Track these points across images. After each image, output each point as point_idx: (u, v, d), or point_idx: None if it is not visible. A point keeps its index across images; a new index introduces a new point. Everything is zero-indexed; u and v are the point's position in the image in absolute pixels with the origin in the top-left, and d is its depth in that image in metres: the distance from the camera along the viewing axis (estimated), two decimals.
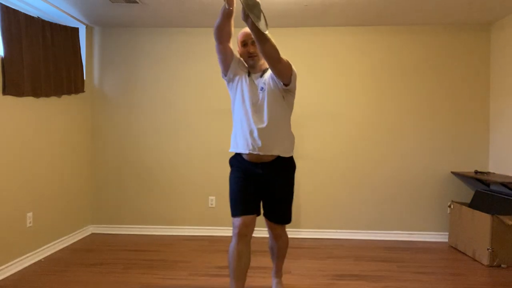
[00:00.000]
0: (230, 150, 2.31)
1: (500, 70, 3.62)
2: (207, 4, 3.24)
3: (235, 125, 2.26)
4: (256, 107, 2.19)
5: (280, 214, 2.30)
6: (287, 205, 2.30)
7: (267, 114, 2.16)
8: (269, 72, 2.22)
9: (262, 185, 2.23)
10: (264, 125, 2.15)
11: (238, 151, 2.25)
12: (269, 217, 2.31)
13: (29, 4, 3.23)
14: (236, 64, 2.28)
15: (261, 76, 2.24)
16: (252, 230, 2.16)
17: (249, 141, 2.16)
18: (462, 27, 3.78)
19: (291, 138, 2.30)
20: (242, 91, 2.23)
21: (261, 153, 2.16)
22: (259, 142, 2.14)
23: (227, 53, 2.23)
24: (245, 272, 2.13)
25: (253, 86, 2.23)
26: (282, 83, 2.15)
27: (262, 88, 2.20)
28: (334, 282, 2.76)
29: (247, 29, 2.15)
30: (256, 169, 2.21)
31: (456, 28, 3.79)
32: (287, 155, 2.25)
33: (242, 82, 2.24)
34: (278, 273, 2.52)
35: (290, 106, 2.29)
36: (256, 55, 2.20)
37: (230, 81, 2.31)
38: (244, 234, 2.10)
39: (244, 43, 2.23)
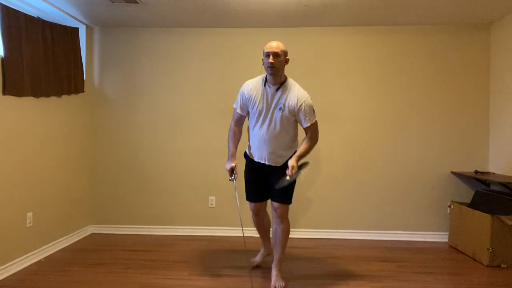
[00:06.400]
0: (246, 152, 2.79)
1: (500, 70, 3.62)
2: (207, 4, 3.24)
3: (251, 134, 2.69)
4: (267, 121, 2.56)
5: (283, 196, 2.63)
6: (288, 189, 2.60)
7: (277, 132, 2.56)
8: (290, 96, 2.50)
9: (269, 175, 2.68)
10: (272, 143, 2.58)
11: (254, 160, 2.71)
12: (274, 198, 2.66)
13: (29, 4, 3.23)
14: (247, 98, 2.62)
15: (277, 90, 2.52)
16: (263, 210, 2.87)
17: (258, 154, 2.66)
18: (462, 27, 3.78)
19: (295, 146, 2.70)
20: (255, 106, 2.59)
21: (267, 164, 2.66)
22: (267, 159, 2.63)
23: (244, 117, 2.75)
24: (266, 231, 2.99)
25: (267, 98, 2.54)
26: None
27: (280, 109, 2.52)
28: (334, 282, 2.76)
29: (272, 43, 2.47)
30: (263, 165, 2.68)
31: (456, 28, 3.79)
32: (287, 160, 2.59)
33: (255, 100, 2.57)
34: (278, 264, 2.71)
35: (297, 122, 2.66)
36: (275, 66, 2.43)
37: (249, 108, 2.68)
38: (257, 213, 2.86)
39: (267, 54, 2.46)
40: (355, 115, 3.87)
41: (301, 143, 2.57)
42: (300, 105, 2.48)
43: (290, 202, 2.67)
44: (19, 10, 2.96)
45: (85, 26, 3.85)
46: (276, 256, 2.70)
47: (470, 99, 3.79)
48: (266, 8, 3.34)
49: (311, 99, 2.53)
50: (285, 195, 2.62)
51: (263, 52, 2.50)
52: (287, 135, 2.60)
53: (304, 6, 3.27)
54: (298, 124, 2.62)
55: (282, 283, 2.63)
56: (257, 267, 3.03)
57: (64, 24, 3.57)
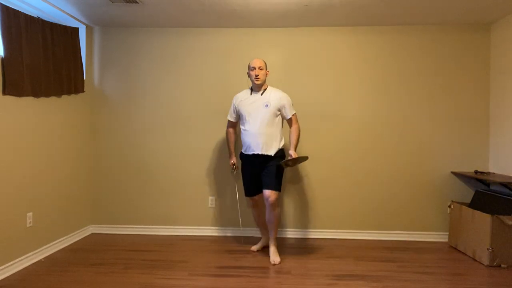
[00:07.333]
0: (241, 152, 3.28)
1: (500, 70, 3.62)
2: (207, 4, 3.24)
3: (243, 133, 3.20)
4: (258, 119, 3.10)
5: (271, 182, 3.09)
6: (276, 177, 3.11)
7: (266, 125, 3.10)
8: (272, 95, 3.14)
9: (260, 167, 3.17)
10: (264, 134, 3.10)
11: (246, 153, 3.21)
12: (265, 187, 3.10)
13: (29, 4, 3.23)
14: (237, 106, 3.24)
15: (262, 94, 3.15)
16: (260, 202, 3.32)
17: (253, 146, 3.14)
18: (462, 27, 3.78)
19: (280, 139, 3.20)
20: (245, 109, 3.17)
21: (260, 153, 3.14)
22: (260, 148, 3.13)
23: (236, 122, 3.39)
24: (263, 221, 3.40)
25: (254, 101, 3.15)
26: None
27: (266, 105, 3.10)
28: (334, 282, 2.76)
29: (256, 59, 3.12)
30: (256, 159, 3.17)
31: (456, 28, 3.79)
32: (276, 152, 3.15)
33: (244, 104, 3.18)
34: (273, 240, 3.23)
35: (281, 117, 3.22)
36: (260, 77, 3.10)
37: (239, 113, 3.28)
38: (255, 205, 3.37)
39: (253, 68, 3.11)
40: (355, 115, 3.87)
41: (290, 136, 3.17)
42: (283, 101, 3.14)
43: (279, 190, 3.15)
44: (19, 10, 2.96)
45: (85, 26, 3.85)
46: (271, 234, 3.21)
47: (470, 99, 3.79)
48: (266, 8, 3.34)
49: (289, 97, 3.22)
50: (274, 183, 3.09)
51: (249, 66, 3.14)
52: (274, 126, 3.12)
53: (304, 6, 3.27)
54: (283, 120, 3.23)
55: (278, 259, 3.12)
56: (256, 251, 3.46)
57: (64, 24, 3.58)
